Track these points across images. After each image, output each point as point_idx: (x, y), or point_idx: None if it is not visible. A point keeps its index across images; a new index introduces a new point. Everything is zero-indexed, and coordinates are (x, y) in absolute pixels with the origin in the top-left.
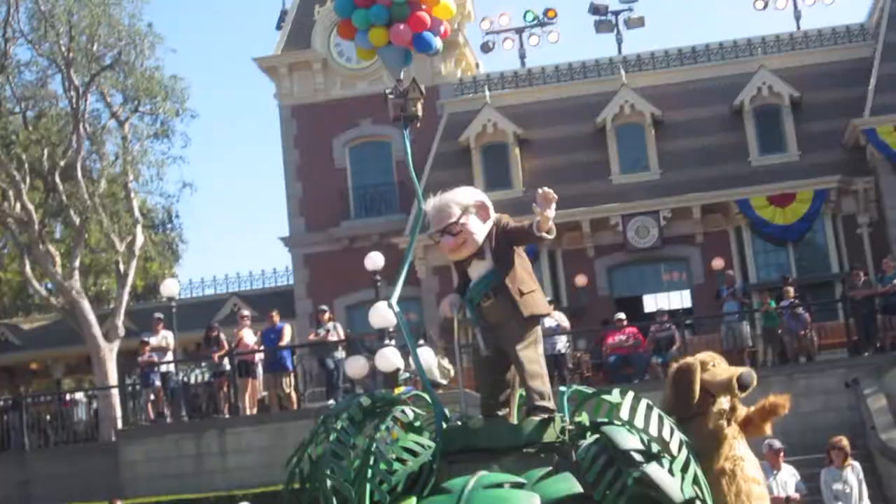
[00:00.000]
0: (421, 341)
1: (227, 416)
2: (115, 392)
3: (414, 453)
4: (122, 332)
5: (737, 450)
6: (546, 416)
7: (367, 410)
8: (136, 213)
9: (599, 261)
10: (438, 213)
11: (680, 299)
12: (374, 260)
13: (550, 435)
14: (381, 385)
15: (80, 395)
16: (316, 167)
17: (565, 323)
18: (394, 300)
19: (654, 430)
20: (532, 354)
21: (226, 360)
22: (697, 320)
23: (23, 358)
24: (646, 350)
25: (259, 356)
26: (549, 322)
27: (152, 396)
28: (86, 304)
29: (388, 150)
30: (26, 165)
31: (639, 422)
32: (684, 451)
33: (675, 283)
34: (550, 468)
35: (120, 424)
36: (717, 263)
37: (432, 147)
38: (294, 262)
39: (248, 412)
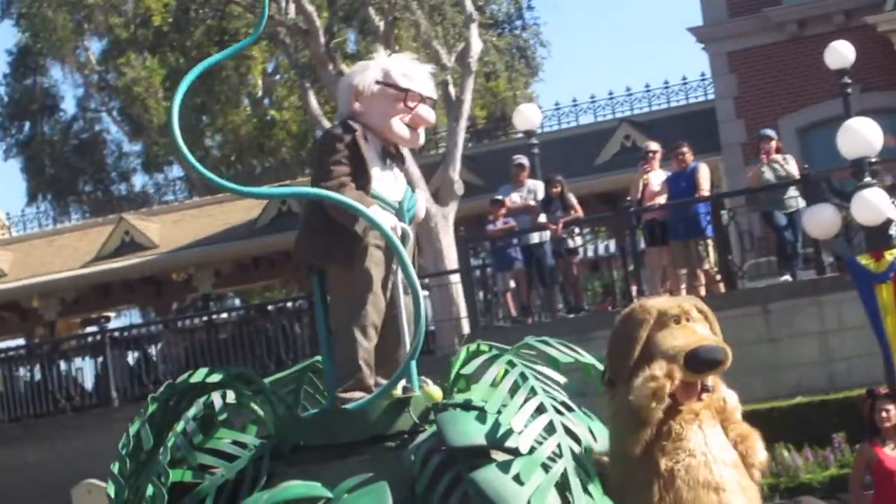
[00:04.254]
0: None
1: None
2: (454, 279)
3: (231, 457)
4: (460, 188)
5: (691, 441)
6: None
7: (178, 395)
8: (469, 6)
9: None
10: (432, 80)
11: None
12: (840, 53)
13: (406, 421)
14: (860, 248)
15: None
16: None
17: None
18: (177, 136)
19: (512, 414)
20: None
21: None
22: None
23: None
24: None
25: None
26: None
27: (513, 283)
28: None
29: None
30: None
31: (494, 403)
32: (548, 445)
33: None
34: (371, 475)
35: (466, 327)
36: None
37: None
38: (713, 65)
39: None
